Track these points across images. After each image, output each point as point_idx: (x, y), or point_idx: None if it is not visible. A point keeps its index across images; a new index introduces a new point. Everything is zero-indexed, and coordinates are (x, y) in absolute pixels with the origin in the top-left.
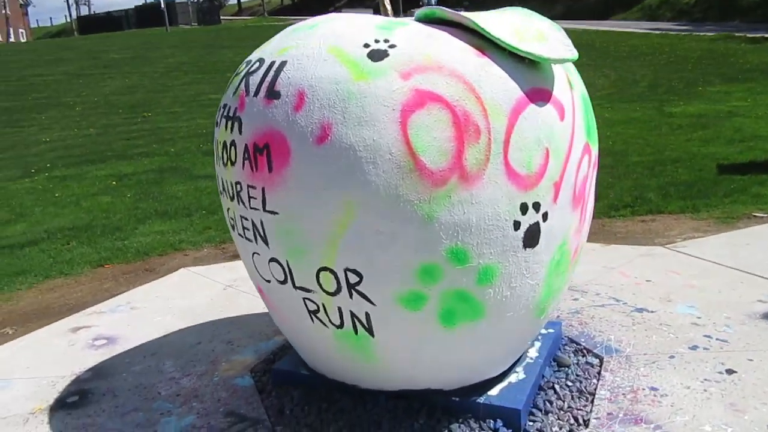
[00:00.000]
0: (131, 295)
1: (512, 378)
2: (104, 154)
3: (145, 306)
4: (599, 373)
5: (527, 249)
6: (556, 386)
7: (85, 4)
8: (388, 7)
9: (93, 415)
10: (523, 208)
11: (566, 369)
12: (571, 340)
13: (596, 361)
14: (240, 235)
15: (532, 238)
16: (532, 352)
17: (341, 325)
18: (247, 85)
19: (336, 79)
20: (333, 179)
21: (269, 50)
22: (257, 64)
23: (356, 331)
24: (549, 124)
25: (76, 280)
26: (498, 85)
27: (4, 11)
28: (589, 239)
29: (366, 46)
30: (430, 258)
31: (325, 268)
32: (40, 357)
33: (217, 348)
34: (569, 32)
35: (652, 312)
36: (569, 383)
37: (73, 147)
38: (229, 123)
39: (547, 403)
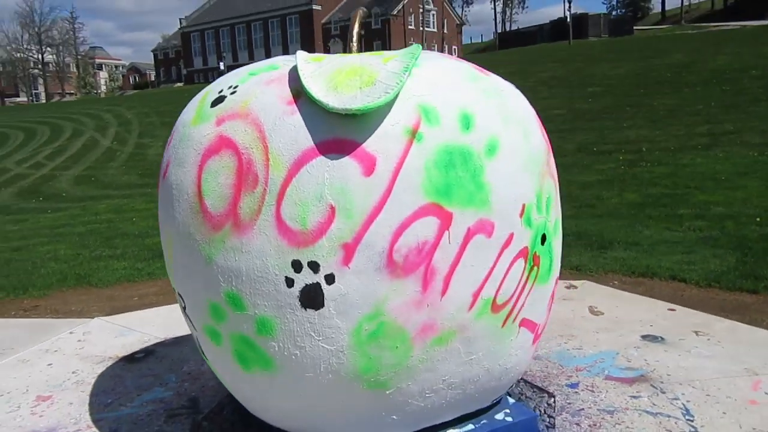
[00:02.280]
0: None
1: None
2: None
3: None
4: None
5: (308, 309)
6: None
7: (510, 20)
8: (354, 45)
9: (150, 363)
10: (296, 266)
11: None
12: None
13: None
14: None
15: (311, 298)
16: None
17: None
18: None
19: (184, 122)
20: (164, 211)
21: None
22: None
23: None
24: (342, 178)
25: None
26: (289, 134)
27: (443, 31)
28: None
29: (220, 92)
30: (214, 297)
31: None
32: (159, 321)
33: None
34: None
35: None
36: None
37: None
38: None
39: None
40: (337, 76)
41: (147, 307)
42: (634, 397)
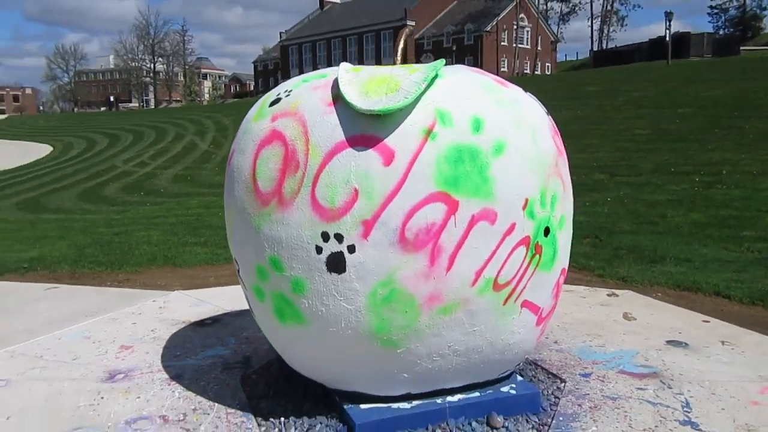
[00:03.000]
0: None
1: (402, 404)
2: None
3: None
4: None
5: (332, 273)
6: None
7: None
8: (398, 59)
9: (216, 328)
10: (325, 236)
11: (494, 429)
12: None
13: None
14: None
15: (335, 264)
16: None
17: None
18: None
19: (248, 119)
20: (228, 191)
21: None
22: None
23: None
24: (366, 167)
25: None
26: (326, 129)
27: (536, 47)
28: None
29: (278, 94)
30: (261, 261)
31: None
32: (228, 296)
33: None
34: None
35: None
36: None
37: None
38: None
39: None
40: (369, 84)
41: (220, 286)
42: (641, 389)
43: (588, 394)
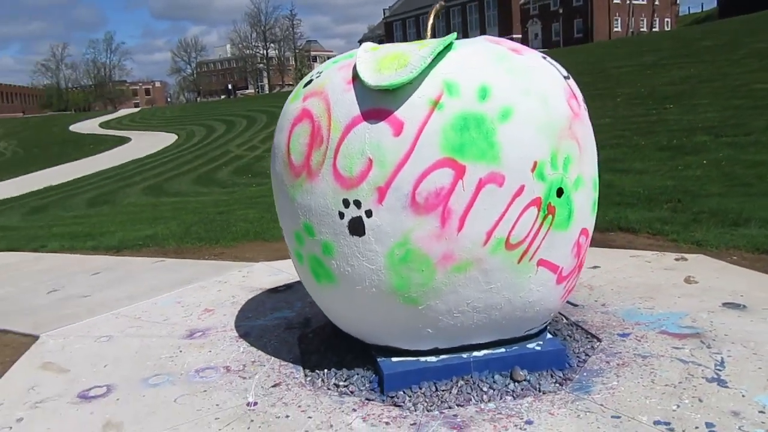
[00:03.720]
0: None
1: (430, 358)
2: None
3: None
4: None
5: (354, 236)
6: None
7: None
8: (428, 34)
9: (287, 294)
10: (345, 203)
11: (516, 383)
12: None
13: None
14: None
15: (356, 228)
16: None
17: None
18: None
19: (287, 101)
20: (271, 167)
21: None
22: None
23: None
24: (377, 138)
25: None
26: (345, 106)
27: (653, 2)
28: None
29: (311, 76)
30: (297, 227)
31: None
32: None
33: None
34: None
35: None
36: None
37: None
38: None
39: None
40: (382, 61)
41: None
42: (677, 348)
43: (620, 352)
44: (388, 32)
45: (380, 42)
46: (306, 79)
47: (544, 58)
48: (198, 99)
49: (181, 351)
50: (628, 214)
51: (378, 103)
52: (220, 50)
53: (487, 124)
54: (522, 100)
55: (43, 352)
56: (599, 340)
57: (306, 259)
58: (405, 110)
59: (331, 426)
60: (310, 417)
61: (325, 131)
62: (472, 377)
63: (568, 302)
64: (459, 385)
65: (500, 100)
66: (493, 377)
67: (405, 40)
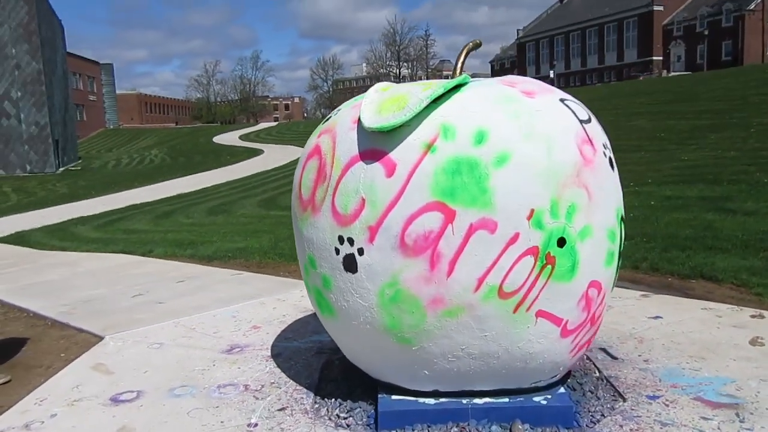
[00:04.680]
0: None
1: (429, 400)
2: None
3: None
4: None
5: (348, 272)
6: None
7: None
8: (458, 72)
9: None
10: (341, 240)
11: None
12: None
13: None
14: None
15: (349, 264)
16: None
17: None
18: None
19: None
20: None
21: None
22: None
23: None
24: (370, 178)
25: None
26: (347, 144)
27: None
28: None
29: (332, 112)
30: (304, 259)
31: None
32: None
33: None
34: None
35: None
36: None
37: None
38: None
39: None
40: (384, 103)
41: None
42: (705, 418)
43: (640, 416)
44: (521, 53)
45: (512, 64)
46: (329, 115)
47: (563, 101)
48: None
49: (214, 365)
50: (716, 260)
51: (375, 143)
52: (356, 69)
53: (481, 168)
54: (521, 145)
55: (101, 353)
56: (624, 400)
57: (312, 290)
58: (399, 152)
59: None
60: None
61: (328, 168)
62: (468, 425)
63: (607, 353)
64: (453, 431)
65: (497, 145)
66: (490, 428)
67: (537, 61)
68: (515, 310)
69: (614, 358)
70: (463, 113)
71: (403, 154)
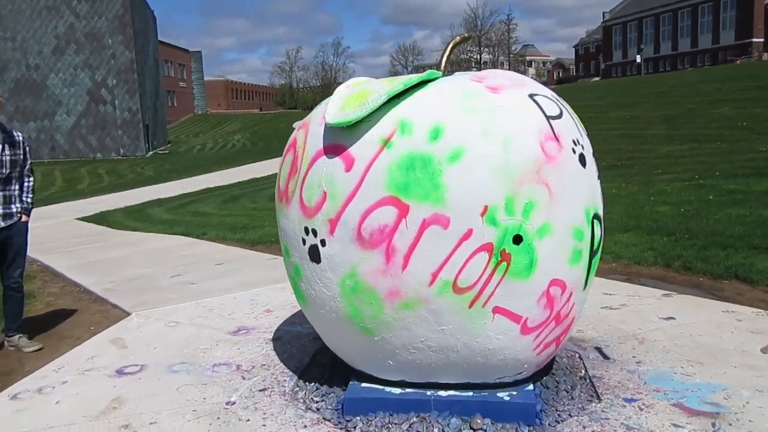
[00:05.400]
0: None
1: (395, 389)
2: None
3: None
4: None
5: (313, 262)
6: None
7: None
8: (442, 66)
9: None
10: (306, 231)
11: (473, 430)
12: None
13: None
14: None
15: (314, 255)
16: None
17: None
18: None
19: None
20: None
21: None
22: None
23: None
24: (331, 172)
25: None
26: (315, 139)
27: None
28: None
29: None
30: (282, 246)
31: None
32: None
33: None
34: None
35: None
36: None
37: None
38: None
39: None
40: (350, 99)
41: None
42: (677, 425)
43: (608, 419)
44: (607, 37)
45: (597, 48)
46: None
47: (533, 96)
48: None
49: (217, 345)
50: (756, 261)
51: (337, 139)
52: (437, 54)
53: (434, 164)
54: (477, 141)
55: (123, 328)
56: (599, 401)
57: (289, 277)
58: (358, 147)
59: None
60: (264, 425)
61: (299, 162)
62: (430, 416)
63: (600, 353)
64: (412, 421)
65: (452, 141)
66: (449, 420)
67: (624, 45)
68: (471, 306)
69: (606, 357)
70: (421, 109)
71: (361, 149)
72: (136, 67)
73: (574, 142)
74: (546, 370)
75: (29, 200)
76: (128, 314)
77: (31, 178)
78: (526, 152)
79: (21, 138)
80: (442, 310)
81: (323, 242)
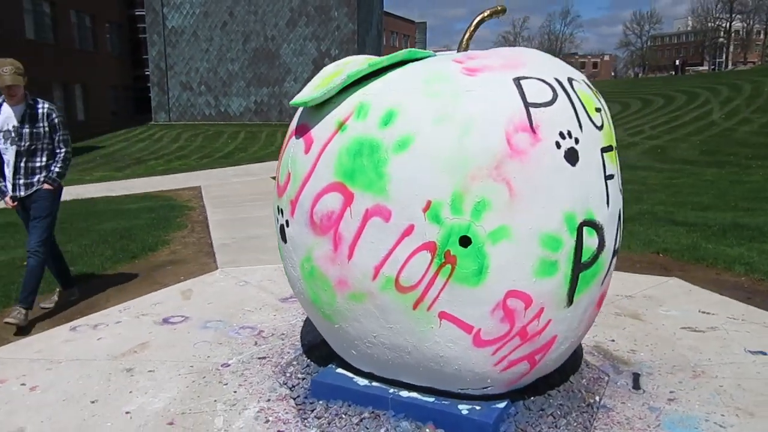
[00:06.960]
0: None
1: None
2: None
3: None
4: None
5: (282, 242)
6: None
7: None
8: (464, 44)
9: None
10: (278, 210)
11: None
12: None
13: None
14: None
15: (282, 234)
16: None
17: None
18: None
19: None
20: None
21: None
22: None
23: None
24: (295, 153)
25: None
26: (295, 119)
27: None
28: None
29: None
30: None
31: None
32: None
33: None
34: None
35: None
36: None
37: None
38: None
39: None
40: (326, 78)
41: None
42: None
43: None
44: None
45: None
46: None
47: (518, 79)
48: (639, 75)
49: (261, 308)
50: None
51: (305, 119)
52: (680, 23)
53: (381, 152)
54: (429, 129)
55: (200, 281)
56: (582, 413)
57: None
58: (317, 129)
59: (234, 407)
60: (235, 391)
61: (285, 142)
62: (384, 414)
63: (635, 380)
64: (363, 416)
65: (402, 128)
66: (399, 422)
67: None
68: (415, 307)
69: (637, 388)
70: (384, 91)
71: (319, 131)
72: (357, 38)
73: (561, 134)
74: (544, 389)
75: (57, 170)
76: (216, 269)
77: (63, 149)
78: (486, 144)
79: (45, 110)
80: (387, 307)
81: (287, 222)
